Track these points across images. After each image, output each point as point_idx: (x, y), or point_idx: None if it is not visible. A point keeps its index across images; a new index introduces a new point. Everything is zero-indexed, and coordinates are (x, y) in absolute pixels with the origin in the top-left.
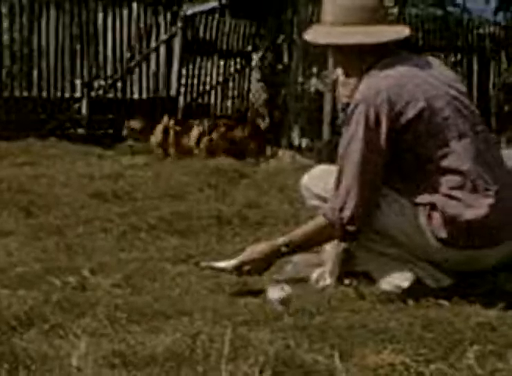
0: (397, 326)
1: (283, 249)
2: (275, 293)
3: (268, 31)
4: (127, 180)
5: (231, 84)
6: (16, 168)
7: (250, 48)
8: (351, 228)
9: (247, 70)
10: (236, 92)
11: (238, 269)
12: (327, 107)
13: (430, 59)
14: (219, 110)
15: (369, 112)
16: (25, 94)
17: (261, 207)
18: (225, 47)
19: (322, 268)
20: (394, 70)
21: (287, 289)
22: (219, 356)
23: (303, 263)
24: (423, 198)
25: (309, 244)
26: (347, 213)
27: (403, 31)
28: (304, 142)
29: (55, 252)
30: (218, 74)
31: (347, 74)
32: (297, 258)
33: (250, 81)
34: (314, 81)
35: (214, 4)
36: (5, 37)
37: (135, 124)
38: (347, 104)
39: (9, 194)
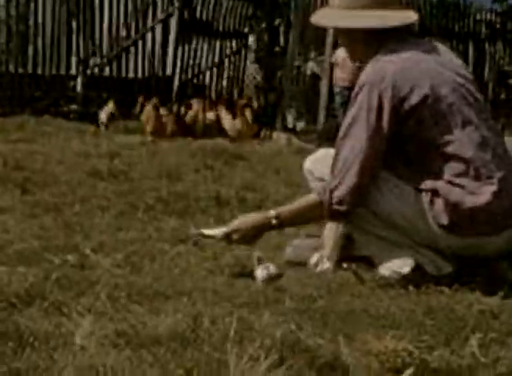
0: (398, 312)
1: (273, 221)
2: (260, 272)
3: (265, 13)
4: (122, 159)
5: (226, 65)
6: (10, 144)
7: (246, 29)
8: (340, 208)
9: (243, 51)
10: (231, 73)
11: (227, 237)
12: (323, 90)
13: (438, 45)
14: (214, 91)
15: (372, 96)
16: (20, 70)
17: (259, 189)
18: (221, 28)
19: (321, 252)
20: (400, 55)
21: (272, 268)
22: (223, 338)
23: (302, 246)
24: (426, 184)
25: (299, 219)
26: (338, 194)
27: (411, 16)
28: (299, 125)
29: (53, 230)
30: (213, 55)
31: (352, 58)
32: (296, 241)
33: (245, 63)
34: (311, 64)
35: None
36: (2, 12)
37: (104, 117)
38: (345, 88)
39: (5, 171)
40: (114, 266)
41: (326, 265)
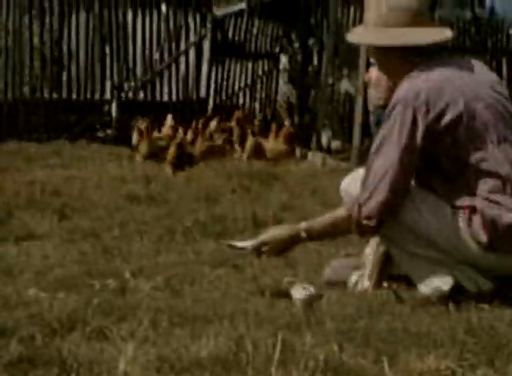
0: (439, 330)
1: (302, 234)
2: (298, 293)
3: (298, 33)
4: (159, 182)
5: (259, 85)
6: (47, 170)
7: (278, 49)
8: (368, 223)
9: (275, 71)
10: (264, 94)
11: (257, 250)
12: (358, 109)
13: (473, 61)
14: (247, 112)
15: (406, 113)
16: (55, 96)
17: (296, 209)
18: (253, 49)
19: (360, 271)
20: (434, 72)
21: (311, 289)
22: (266, 361)
23: (341, 266)
24: (463, 201)
25: (328, 233)
26: (367, 208)
27: (447, 34)
28: (334, 145)
29: (92, 255)
30: (246, 76)
31: (386, 76)
32: (335, 261)
33: (277, 83)
34: (344, 83)
35: (243, 6)
36: (36, 39)
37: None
38: (380, 106)
39: (42, 197)
40: (154, 290)
41: (366, 284)
